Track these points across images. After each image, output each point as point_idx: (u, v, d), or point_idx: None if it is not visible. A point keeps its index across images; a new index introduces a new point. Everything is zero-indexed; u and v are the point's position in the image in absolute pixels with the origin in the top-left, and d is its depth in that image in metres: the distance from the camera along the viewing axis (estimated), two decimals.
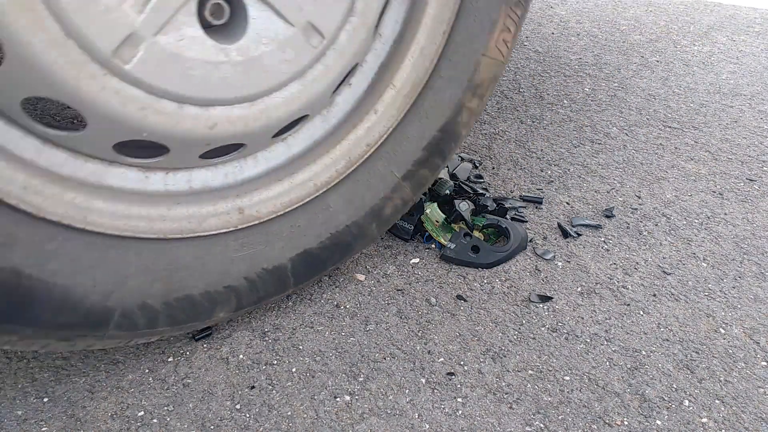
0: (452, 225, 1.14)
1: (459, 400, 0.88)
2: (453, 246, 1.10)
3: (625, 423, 0.86)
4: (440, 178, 1.24)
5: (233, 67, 0.72)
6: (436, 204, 1.16)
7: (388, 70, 0.92)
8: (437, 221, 1.14)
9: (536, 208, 1.24)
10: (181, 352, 0.94)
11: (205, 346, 0.95)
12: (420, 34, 0.91)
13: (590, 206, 1.25)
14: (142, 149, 0.76)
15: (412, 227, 1.14)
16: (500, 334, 0.98)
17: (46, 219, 0.70)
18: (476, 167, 1.34)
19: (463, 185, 1.24)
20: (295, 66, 0.78)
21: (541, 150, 1.39)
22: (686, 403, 0.89)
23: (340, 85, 0.89)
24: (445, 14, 0.91)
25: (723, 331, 1.00)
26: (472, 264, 1.09)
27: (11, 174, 0.67)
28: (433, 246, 1.14)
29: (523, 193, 1.27)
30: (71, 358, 0.92)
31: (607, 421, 0.86)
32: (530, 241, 1.14)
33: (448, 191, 1.20)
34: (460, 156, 1.33)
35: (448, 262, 1.10)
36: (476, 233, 1.14)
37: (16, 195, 0.67)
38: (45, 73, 0.62)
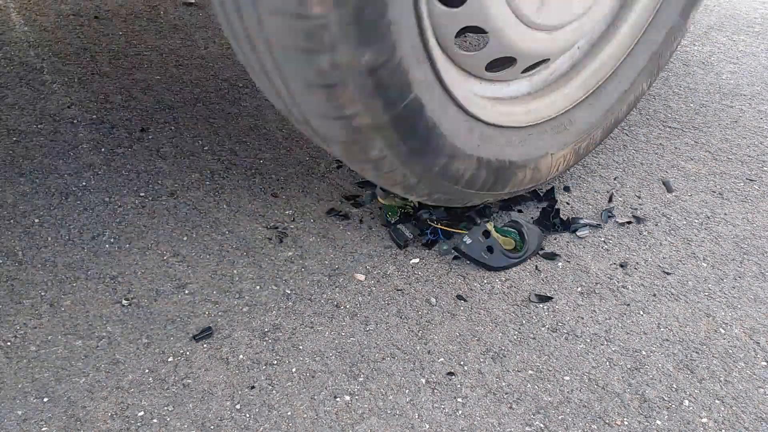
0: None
1: (459, 400, 0.88)
2: (469, 242, 1.08)
3: (625, 423, 0.86)
4: None
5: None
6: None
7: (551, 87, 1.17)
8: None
9: (537, 208, 1.24)
10: (181, 352, 0.94)
11: (205, 346, 0.95)
12: (546, 98, 1.15)
13: (590, 206, 1.25)
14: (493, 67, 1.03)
15: (412, 236, 1.14)
16: (500, 334, 0.98)
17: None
18: None
19: None
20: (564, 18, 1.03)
21: None
22: (686, 403, 0.89)
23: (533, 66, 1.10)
24: (554, 109, 1.15)
25: (723, 331, 1.00)
26: (481, 264, 1.08)
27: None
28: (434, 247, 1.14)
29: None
30: (71, 358, 0.92)
31: (607, 421, 0.86)
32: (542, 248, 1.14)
33: None
34: None
35: (460, 255, 1.09)
36: (496, 235, 1.12)
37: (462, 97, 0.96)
38: (486, 12, 0.91)
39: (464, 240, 1.08)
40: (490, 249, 1.08)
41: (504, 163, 1.07)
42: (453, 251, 1.11)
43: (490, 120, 1.02)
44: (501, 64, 1.04)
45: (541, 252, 1.13)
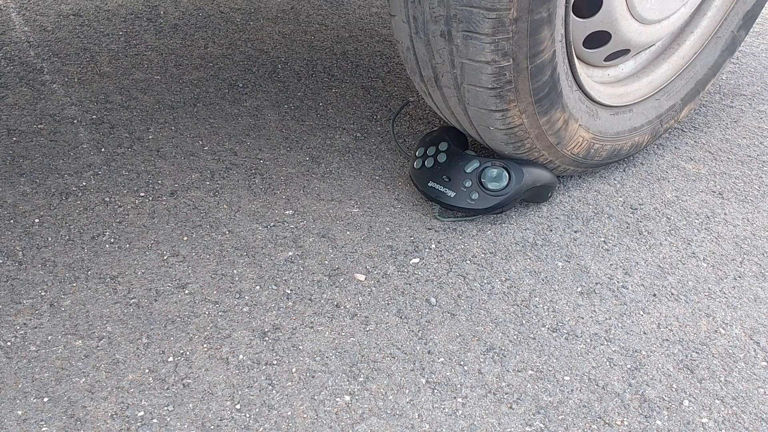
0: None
1: (459, 400, 0.88)
2: (453, 195, 1.04)
3: (625, 423, 0.86)
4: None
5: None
6: None
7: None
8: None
9: (536, 206, 1.24)
10: (181, 352, 0.94)
11: (205, 346, 0.95)
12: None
13: (590, 206, 1.25)
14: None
15: (454, 194, 1.09)
16: (500, 334, 0.98)
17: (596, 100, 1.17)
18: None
19: None
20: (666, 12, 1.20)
21: None
22: (686, 403, 0.89)
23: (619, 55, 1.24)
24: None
25: (723, 331, 1.00)
26: (471, 210, 1.03)
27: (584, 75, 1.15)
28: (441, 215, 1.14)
29: None
30: (71, 358, 0.92)
31: (607, 421, 0.86)
32: (549, 195, 1.09)
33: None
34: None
35: (448, 209, 1.04)
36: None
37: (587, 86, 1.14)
38: (613, 19, 1.09)
39: (449, 193, 1.04)
40: (475, 194, 1.03)
41: None
42: (439, 211, 1.08)
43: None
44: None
45: (536, 252, 1.13)
